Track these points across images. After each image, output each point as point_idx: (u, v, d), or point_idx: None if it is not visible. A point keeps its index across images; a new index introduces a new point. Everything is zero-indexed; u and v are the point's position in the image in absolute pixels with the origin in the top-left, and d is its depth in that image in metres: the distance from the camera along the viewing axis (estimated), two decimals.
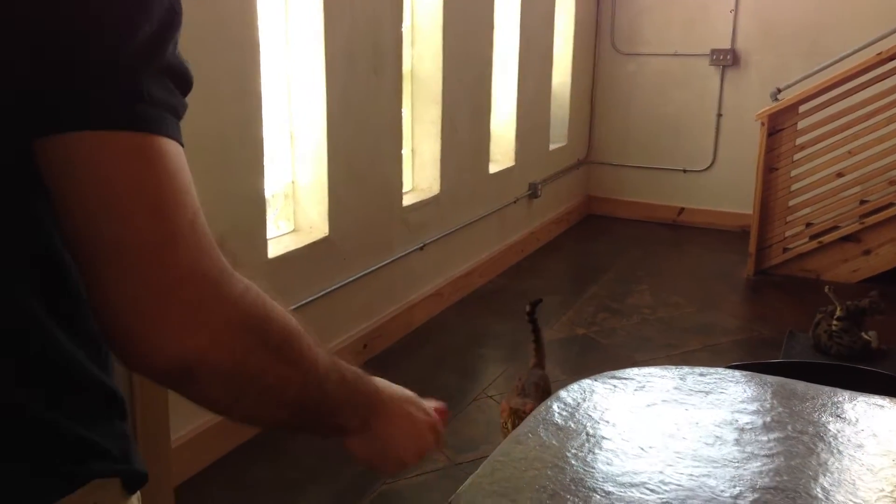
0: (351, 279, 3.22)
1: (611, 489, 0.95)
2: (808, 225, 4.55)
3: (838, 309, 3.21)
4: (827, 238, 4.44)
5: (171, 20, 0.56)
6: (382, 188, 3.45)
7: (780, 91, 4.60)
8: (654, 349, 3.57)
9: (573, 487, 0.94)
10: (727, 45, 5.36)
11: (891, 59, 4.15)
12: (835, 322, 3.20)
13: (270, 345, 0.62)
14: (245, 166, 2.62)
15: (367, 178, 3.32)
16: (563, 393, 1.19)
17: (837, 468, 1.01)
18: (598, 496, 0.93)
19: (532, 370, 2.53)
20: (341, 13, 2.97)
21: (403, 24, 3.45)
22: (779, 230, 4.57)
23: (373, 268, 3.37)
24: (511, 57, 4.55)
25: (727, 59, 5.36)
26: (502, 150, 4.64)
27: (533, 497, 0.92)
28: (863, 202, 4.42)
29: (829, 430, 1.10)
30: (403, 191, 3.67)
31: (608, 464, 1.01)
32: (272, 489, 2.53)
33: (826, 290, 3.28)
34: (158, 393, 2.34)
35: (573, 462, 1.00)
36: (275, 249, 2.87)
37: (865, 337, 3.24)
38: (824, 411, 1.14)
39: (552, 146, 5.31)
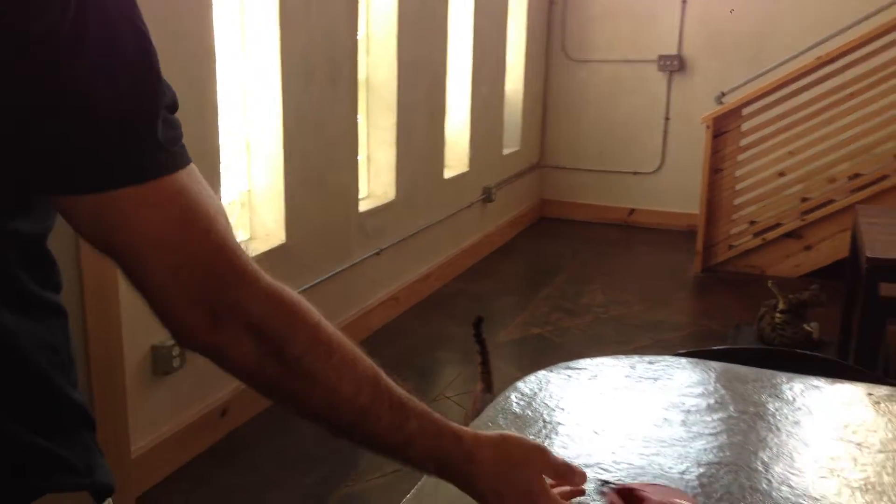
0: (308, 285, 3.24)
1: None
2: (752, 223, 4.71)
3: (781, 302, 3.34)
4: (770, 235, 4.61)
5: (154, 66, 0.62)
6: (339, 195, 3.49)
7: (724, 95, 4.76)
8: (607, 346, 3.66)
9: None
10: (674, 52, 5.52)
11: (829, 62, 4.33)
12: (778, 314, 3.34)
13: (287, 356, 0.66)
14: (202, 176, 2.63)
15: (324, 185, 3.35)
16: (520, 384, 1.24)
17: (776, 443, 1.08)
18: None
19: (483, 395, 2.49)
20: (297, 25, 3.00)
21: (358, 34, 3.49)
22: (724, 228, 4.72)
23: (330, 274, 3.40)
24: (464, 64, 4.63)
25: (674, 65, 5.52)
26: (457, 156, 4.70)
27: None
28: (804, 200, 4.59)
29: (769, 409, 1.17)
30: (360, 197, 3.70)
31: (564, 447, 1.07)
32: (234, 495, 2.54)
33: (769, 284, 3.42)
34: (118, 406, 2.34)
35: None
36: None
37: (807, 328, 3.38)
38: (764, 392, 1.22)
39: (506, 151, 5.39)
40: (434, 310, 4.15)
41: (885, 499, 0.95)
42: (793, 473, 1.00)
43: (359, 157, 3.65)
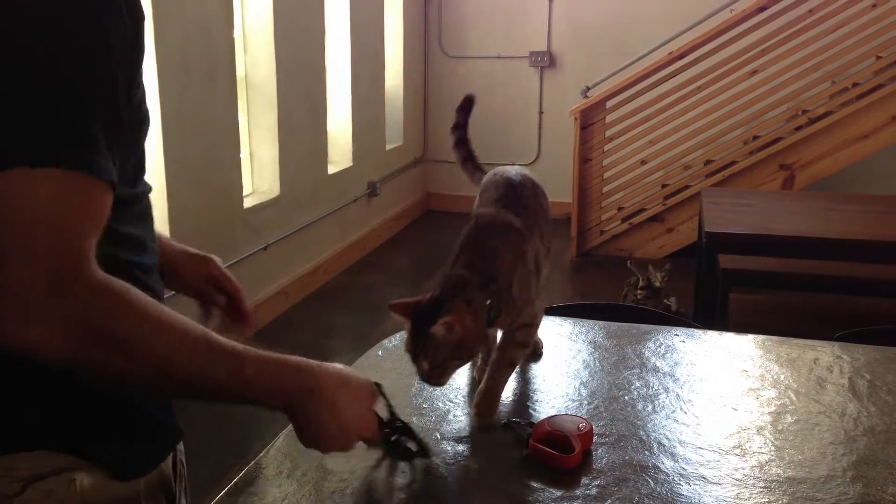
0: None
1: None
2: (620, 209, 5.05)
3: (640, 280, 3.65)
4: (636, 219, 4.96)
5: (87, 69, 0.74)
6: (222, 192, 3.55)
7: (589, 89, 5.07)
8: None
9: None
10: (544, 48, 5.82)
11: (679, 57, 4.70)
12: (639, 291, 3.64)
13: (114, 341, 0.73)
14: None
15: (207, 183, 3.41)
16: (385, 341, 1.41)
17: (603, 369, 1.29)
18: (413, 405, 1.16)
19: None
20: (172, 20, 3.05)
21: (235, 31, 3.56)
22: (595, 215, 5.04)
23: None
24: (343, 61, 4.75)
25: (544, 61, 5.82)
26: (340, 152, 4.83)
27: None
28: (664, 186, 4.97)
29: (589, 347, 1.38)
30: (244, 193, 3.78)
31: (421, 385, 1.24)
32: None
33: (628, 264, 3.72)
34: None
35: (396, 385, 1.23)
36: None
37: (667, 302, 3.70)
38: (589, 333, 1.43)
39: (389, 146, 5.55)
40: (323, 302, 4.27)
41: (654, 400, 1.17)
42: (600, 386, 1.21)
43: (241, 154, 3.73)
